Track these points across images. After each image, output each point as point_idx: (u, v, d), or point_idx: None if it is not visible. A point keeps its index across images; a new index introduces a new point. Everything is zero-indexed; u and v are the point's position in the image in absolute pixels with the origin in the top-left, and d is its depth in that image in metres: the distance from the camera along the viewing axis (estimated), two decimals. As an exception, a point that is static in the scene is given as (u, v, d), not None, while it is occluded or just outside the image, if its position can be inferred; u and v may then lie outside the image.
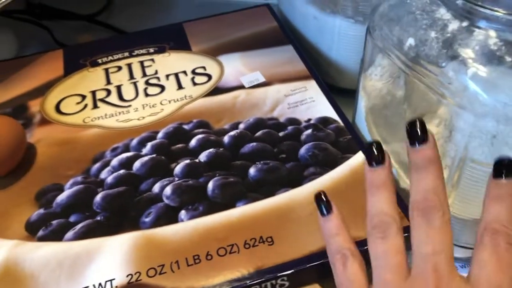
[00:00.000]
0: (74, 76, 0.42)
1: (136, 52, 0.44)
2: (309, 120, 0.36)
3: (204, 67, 0.42)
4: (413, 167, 0.23)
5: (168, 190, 0.32)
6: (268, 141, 0.35)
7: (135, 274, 0.28)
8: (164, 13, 0.58)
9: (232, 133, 0.36)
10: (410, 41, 0.27)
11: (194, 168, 0.34)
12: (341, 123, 0.36)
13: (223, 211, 0.31)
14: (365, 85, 0.35)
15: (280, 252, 0.28)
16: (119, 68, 0.42)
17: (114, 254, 0.29)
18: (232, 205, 0.31)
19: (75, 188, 0.33)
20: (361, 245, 0.28)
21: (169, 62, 0.43)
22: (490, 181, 0.22)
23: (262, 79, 0.40)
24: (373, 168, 0.24)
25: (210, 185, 0.32)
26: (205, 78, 0.41)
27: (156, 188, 0.33)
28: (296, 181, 0.32)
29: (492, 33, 0.25)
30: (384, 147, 0.34)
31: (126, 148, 0.36)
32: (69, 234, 0.30)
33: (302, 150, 0.34)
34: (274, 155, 0.34)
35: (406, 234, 0.29)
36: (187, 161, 0.34)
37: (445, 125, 0.34)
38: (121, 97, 0.40)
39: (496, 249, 0.21)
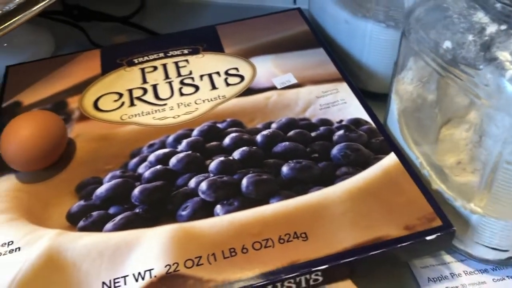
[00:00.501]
0: (111, 74, 0.44)
1: (171, 53, 0.45)
2: (341, 121, 0.37)
3: (236, 68, 0.43)
4: None
5: (203, 186, 0.33)
6: (300, 141, 0.36)
7: (173, 264, 0.29)
8: (194, 16, 0.60)
9: (264, 132, 0.37)
10: (447, 44, 0.28)
11: (228, 165, 0.35)
12: (373, 125, 0.36)
13: (257, 207, 0.31)
14: (397, 88, 0.36)
15: (314, 248, 0.29)
16: (155, 68, 0.44)
17: (152, 245, 0.30)
18: (265, 202, 0.32)
19: (113, 181, 0.34)
20: (390, 244, 0.29)
21: (202, 63, 0.44)
22: None
23: (294, 81, 0.41)
24: None
25: (244, 181, 0.33)
26: (237, 79, 0.42)
27: (192, 183, 0.34)
28: (328, 180, 0.33)
29: (530, 37, 0.25)
30: (415, 149, 0.35)
31: (162, 145, 0.37)
32: (109, 225, 0.31)
33: (335, 150, 0.35)
34: (306, 155, 0.35)
35: (435, 235, 0.29)
36: (222, 158, 0.35)
37: (475, 130, 0.34)
38: (157, 96, 0.41)
39: None
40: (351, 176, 0.33)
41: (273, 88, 0.41)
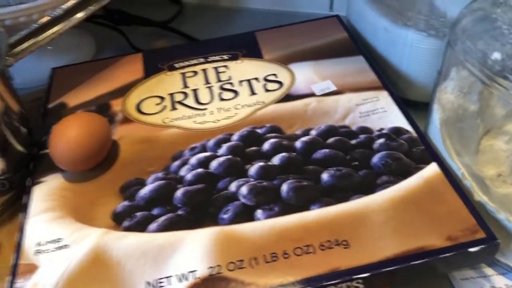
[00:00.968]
0: (153, 78, 0.45)
1: (210, 58, 0.46)
2: (381, 129, 0.37)
3: (275, 75, 0.43)
4: None
5: (244, 190, 0.33)
6: (340, 148, 0.36)
7: (216, 267, 0.29)
8: (231, 22, 0.60)
9: (304, 138, 0.37)
10: (496, 55, 0.28)
11: (268, 170, 0.35)
12: (414, 134, 0.36)
13: (298, 213, 0.32)
14: (440, 98, 0.35)
15: (355, 256, 0.29)
16: (195, 73, 0.45)
17: (195, 247, 0.30)
18: (306, 208, 0.32)
19: (156, 183, 0.35)
20: (433, 254, 0.29)
21: (242, 69, 0.44)
22: None
23: (333, 88, 0.41)
24: None
25: (284, 187, 0.33)
26: (276, 85, 0.42)
27: (232, 187, 0.34)
28: (369, 189, 0.33)
29: None
30: (457, 159, 0.35)
31: (203, 148, 0.37)
32: (153, 225, 0.32)
33: (375, 159, 0.35)
34: (346, 162, 0.35)
35: (479, 248, 0.29)
36: (261, 163, 0.36)
37: (515, 142, 0.34)
38: (197, 101, 0.42)
39: None
40: (392, 185, 0.33)
41: (312, 94, 0.41)
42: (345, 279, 0.28)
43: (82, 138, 0.35)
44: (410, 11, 0.41)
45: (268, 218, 0.32)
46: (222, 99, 0.42)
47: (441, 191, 0.32)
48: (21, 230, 0.33)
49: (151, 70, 0.45)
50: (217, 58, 0.46)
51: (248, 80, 0.43)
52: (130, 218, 0.33)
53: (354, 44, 0.45)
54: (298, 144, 0.37)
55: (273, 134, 0.38)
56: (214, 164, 0.36)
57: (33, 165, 0.38)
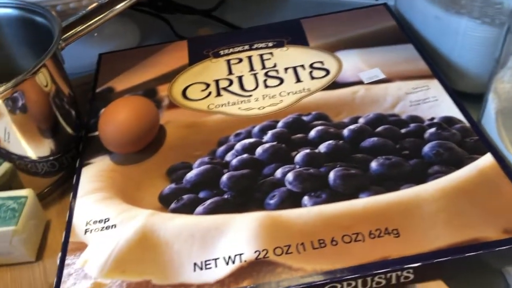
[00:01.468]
0: (198, 65, 0.45)
1: (255, 45, 0.46)
2: (433, 118, 0.36)
3: (321, 62, 0.43)
4: None
5: (290, 176, 0.33)
6: (389, 137, 0.35)
7: (263, 251, 0.29)
8: (274, 11, 0.60)
9: (352, 126, 0.36)
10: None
11: (314, 157, 0.35)
12: (467, 124, 0.35)
13: (347, 201, 0.31)
14: (496, 87, 0.34)
15: (406, 245, 0.28)
16: (240, 60, 0.44)
17: (242, 230, 0.30)
18: (354, 196, 0.31)
19: (202, 167, 0.35)
20: (488, 247, 0.28)
21: (287, 56, 0.44)
22: None
23: (381, 76, 0.40)
24: None
25: (332, 175, 0.33)
26: (323, 73, 0.42)
27: (278, 173, 0.34)
28: (420, 178, 0.32)
29: None
30: (513, 150, 0.33)
31: (248, 134, 0.37)
32: (199, 208, 0.32)
33: (426, 148, 0.34)
34: (396, 151, 0.34)
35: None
36: (307, 150, 0.35)
37: None
38: (242, 87, 0.42)
39: None
40: (444, 175, 0.32)
41: (360, 82, 0.40)
42: (395, 268, 0.27)
43: (131, 121, 0.36)
44: (464, -2, 0.40)
45: (315, 205, 0.31)
46: (267, 86, 0.41)
47: (496, 183, 0.31)
48: (70, 209, 0.34)
49: (196, 57, 0.46)
50: (262, 45, 0.46)
51: (294, 67, 0.43)
52: (177, 201, 0.33)
53: (402, 32, 0.44)
54: (345, 132, 0.36)
55: (320, 122, 0.37)
56: (259, 150, 0.36)
57: (82, 147, 0.39)
